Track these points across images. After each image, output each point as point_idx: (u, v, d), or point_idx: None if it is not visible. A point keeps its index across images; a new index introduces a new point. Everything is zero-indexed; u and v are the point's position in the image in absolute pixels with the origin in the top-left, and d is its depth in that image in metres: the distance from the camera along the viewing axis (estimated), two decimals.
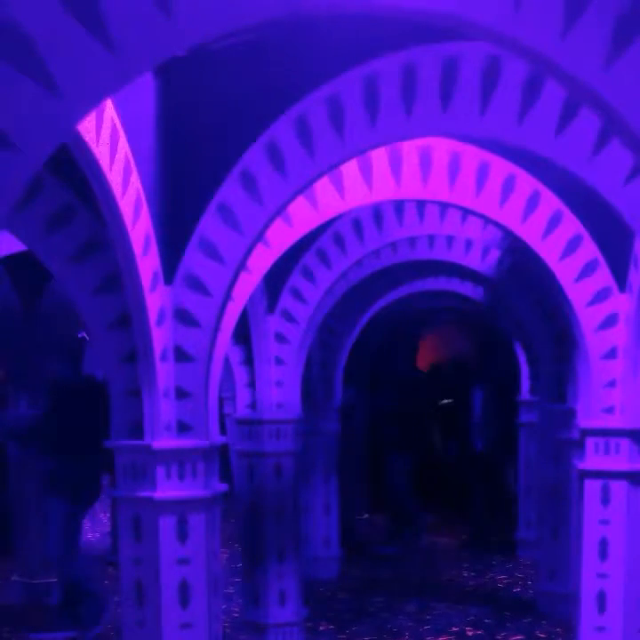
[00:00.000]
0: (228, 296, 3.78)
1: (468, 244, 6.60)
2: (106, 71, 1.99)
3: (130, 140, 3.35)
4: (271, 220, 3.70)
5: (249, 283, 4.32)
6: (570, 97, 3.36)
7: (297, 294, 5.89)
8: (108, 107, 3.13)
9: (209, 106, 3.73)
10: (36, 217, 3.78)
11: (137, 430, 3.74)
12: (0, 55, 1.85)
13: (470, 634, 6.06)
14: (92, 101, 2.02)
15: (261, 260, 4.47)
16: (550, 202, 4.53)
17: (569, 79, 2.22)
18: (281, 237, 4.60)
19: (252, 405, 5.81)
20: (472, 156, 4.43)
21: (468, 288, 8.15)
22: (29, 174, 1.99)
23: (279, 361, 5.83)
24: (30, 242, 3.97)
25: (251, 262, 4.17)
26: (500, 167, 4.47)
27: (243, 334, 5.76)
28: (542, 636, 5.96)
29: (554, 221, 4.55)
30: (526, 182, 4.50)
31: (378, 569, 7.79)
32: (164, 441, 3.70)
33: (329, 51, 3.46)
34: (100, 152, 3.08)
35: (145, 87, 3.68)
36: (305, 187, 3.68)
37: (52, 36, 1.90)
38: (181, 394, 3.76)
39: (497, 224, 4.66)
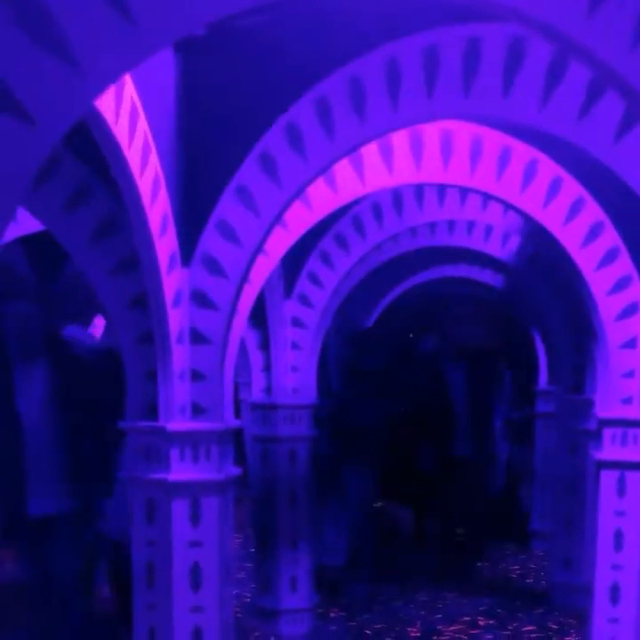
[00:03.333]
0: (244, 278, 3.75)
1: (489, 230, 6.54)
2: (125, 46, 1.95)
3: (149, 119, 3.32)
4: (289, 202, 3.66)
5: (266, 265, 4.29)
6: (594, 80, 3.30)
7: (314, 279, 5.85)
8: (128, 85, 3.09)
9: (229, 86, 3.68)
10: (55, 196, 3.76)
11: (152, 412, 3.73)
12: (19, 29, 1.82)
13: (482, 623, 6.04)
14: (110, 76, 1.99)
15: (279, 243, 4.44)
16: (572, 188, 4.47)
17: (594, 61, 2.17)
18: (299, 220, 4.57)
19: (268, 390, 5.79)
20: (494, 140, 4.38)
21: (487, 275, 8.08)
22: (46, 149, 1.96)
23: (295, 346, 5.81)
24: (48, 221, 3.95)
25: (268, 245, 4.14)
26: (522, 152, 4.41)
27: (260, 318, 5.73)
28: (554, 626, 5.93)
29: (575, 208, 4.49)
30: (548, 167, 4.44)
31: (391, 558, 7.76)
32: (178, 423, 3.68)
33: (351, 31, 3.41)
34: (119, 130, 3.05)
35: (165, 66, 3.64)
36: (324, 169, 3.64)
37: (71, 9, 1.87)
38: (196, 376, 3.73)
39: (517, 210, 4.61)
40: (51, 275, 7.92)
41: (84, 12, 1.86)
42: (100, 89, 1.99)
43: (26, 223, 5.43)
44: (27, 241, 6.61)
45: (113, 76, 2.00)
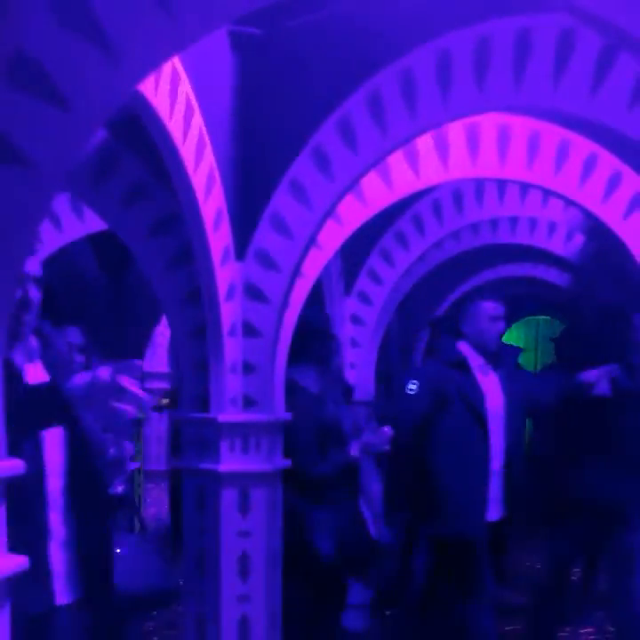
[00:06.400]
0: (296, 272, 3.78)
1: (552, 227, 6.45)
2: (162, 35, 1.99)
3: (205, 116, 3.37)
4: (341, 195, 3.68)
5: (320, 259, 4.31)
6: None
7: (374, 276, 5.85)
8: (183, 82, 3.15)
9: (284, 83, 3.73)
10: (114, 192, 3.84)
11: (203, 403, 3.78)
12: (55, 15, 1.87)
13: None
14: (147, 66, 2.03)
15: (333, 237, 4.45)
16: (632, 181, 4.39)
17: None
18: (353, 215, 4.57)
19: None
20: (552, 134, 4.33)
21: (553, 275, 7.96)
22: (85, 137, 2.01)
23: (354, 343, 5.81)
24: (108, 217, 4.03)
25: (322, 239, 4.16)
26: (581, 146, 4.35)
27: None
28: None
29: (635, 202, 4.41)
30: (607, 161, 4.37)
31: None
32: (229, 414, 3.72)
33: (402, 25, 3.42)
34: (174, 126, 3.11)
35: (222, 64, 3.70)
36: (376, 162, 3.65)
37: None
38: (248, 368, 3.78)
39: (577, 205, 4.54)
40: (119, 274, 8.06)
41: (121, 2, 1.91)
42: (137, 78, 2.03)
43: (92, 222, 5.56)
44: (94, 241, 6.74)
45: (149, 66, 2.04)
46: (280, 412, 3.88)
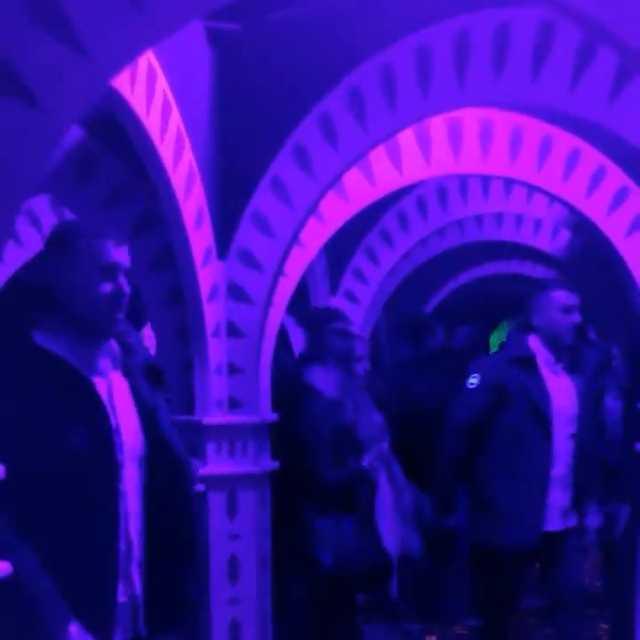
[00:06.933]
0: (280, 271, 3.74)
1: (538, 223, 6.43)
2: (132, 32, 1.95)
3: (183, 113, 3.33)
4: (323, 193, 3.65)
5: (303, 258, 4.27)
6: (623, 63, 3.21)
7: (359, 275, 5.82)
8: (160, 78, 3.11)
9: (263, 79, 3.70)
10: (93, 194, 3.80)
11: (188, 406, 3.74)
12: (27, 14, 1.84)
13: None
14: (118, 63, 2.00)
15: (316, 235, 4.42)
16: (616, 176, 4.38)
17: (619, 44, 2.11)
18: (336, 213, 4.54)
19: None
20: (534, 129, 4.31)
21: (540, 271, 7.94)
22: (58, 135, 1.98)
23: None
24: (89, 218, 3.98)
25: (305, 237, 4.13)
26: (564, 141, 4.33)
27: (307, 316, 5.70)
28: None
29: (619, 197, 4.39)
30: (591, 156, 4.36)
31: None
32: (214, 417, 3.68)
33: (381, 20, 3.40)
34: (151, 124, 3.07)
35: (199, 59, 3.66)
36: (357, 159, 3.63)
37: None
38: (233, 370, 3.74)
39: (560, 200, 4.52)
40: None
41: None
42: (109, 75, 2.00)
43: None
44: None
45: (122, 62, 2.00)
46: (266, 413, 3.84)
